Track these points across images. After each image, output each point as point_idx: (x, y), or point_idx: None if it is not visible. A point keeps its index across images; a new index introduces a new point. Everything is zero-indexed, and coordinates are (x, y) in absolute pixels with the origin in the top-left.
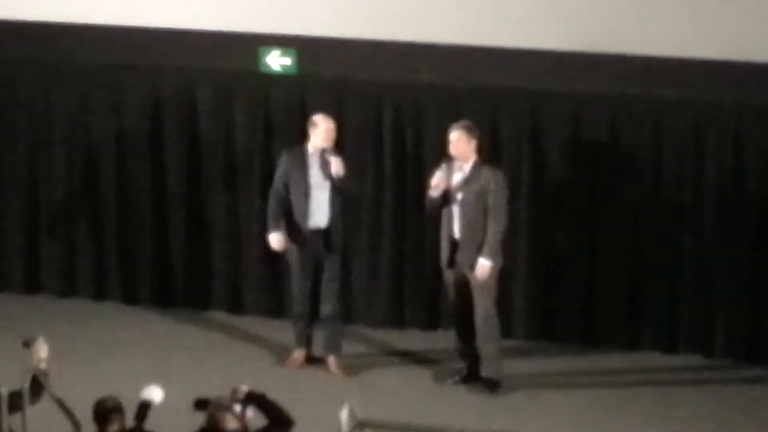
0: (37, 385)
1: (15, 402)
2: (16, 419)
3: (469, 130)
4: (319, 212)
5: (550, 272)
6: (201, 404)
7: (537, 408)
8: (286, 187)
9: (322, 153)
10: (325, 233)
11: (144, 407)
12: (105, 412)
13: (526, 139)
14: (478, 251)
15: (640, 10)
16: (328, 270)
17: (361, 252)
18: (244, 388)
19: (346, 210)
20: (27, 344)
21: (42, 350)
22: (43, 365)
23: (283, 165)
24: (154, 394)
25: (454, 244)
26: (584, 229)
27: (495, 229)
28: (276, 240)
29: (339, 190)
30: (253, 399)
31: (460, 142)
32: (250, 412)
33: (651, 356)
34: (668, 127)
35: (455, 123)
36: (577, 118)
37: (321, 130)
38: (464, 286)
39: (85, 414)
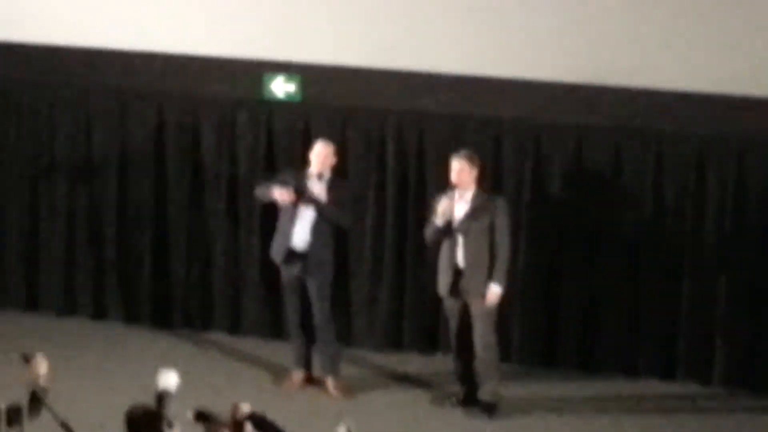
0: (36, 401)
1: (13, 417)
2: None
3: (470, 159)
4: (301, 235)
5: (549, 298)
6: (201, 416)
7: None
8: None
9: (317, 177)
10: (303, 256)
11: (163, 397)
12: (144, 420)
13: (528, 169)
14: (487, 278)
15: (643, 43)
16: (310, 293)
17: (362, 275)
18: (246, 408)
19: (341, 239)
20: (27, 359)
21: (42, 366)
22: (42, 381)
23: (284, 175)
24: (170, 380)
25: (457, 273)
26: (584, 256)
27: (504, 256)
28: (280, 192)
29: (322, 216)
30: (254, 419)
31: (464, 172)
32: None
33: (649, 383)
34: (670, 158)
35: (456, 152)
36: (579, 149)
37: (313, 154)
38: (465, 313)
39: (83, 431)
